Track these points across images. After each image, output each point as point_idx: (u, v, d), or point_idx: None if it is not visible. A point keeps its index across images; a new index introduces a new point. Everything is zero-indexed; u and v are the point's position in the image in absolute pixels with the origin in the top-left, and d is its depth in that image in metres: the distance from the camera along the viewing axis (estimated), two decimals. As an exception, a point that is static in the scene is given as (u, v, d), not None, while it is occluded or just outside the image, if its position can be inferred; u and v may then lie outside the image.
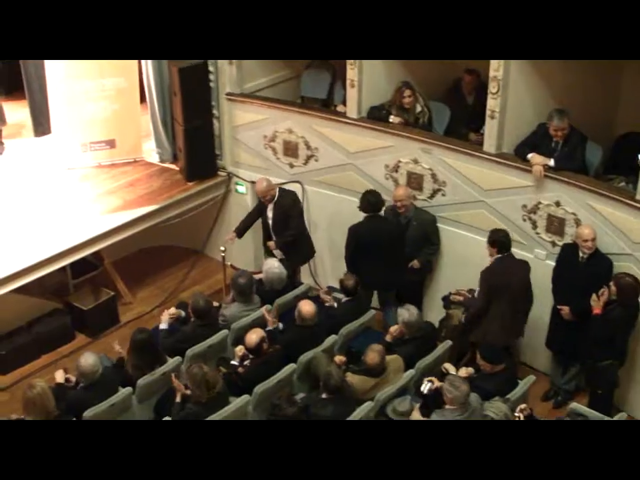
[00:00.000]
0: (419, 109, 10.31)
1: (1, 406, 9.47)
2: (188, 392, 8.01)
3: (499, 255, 9.13)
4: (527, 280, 9.17)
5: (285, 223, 10.42)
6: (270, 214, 10.45)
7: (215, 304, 9.75)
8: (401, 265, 10.08)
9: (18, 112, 13.14)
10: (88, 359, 8.09)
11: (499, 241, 9.13)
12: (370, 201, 9.89)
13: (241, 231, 10.78)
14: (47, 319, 10.76)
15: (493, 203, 9.66)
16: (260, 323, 9.07)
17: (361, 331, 9.28)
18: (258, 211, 10.75)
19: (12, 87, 13.20)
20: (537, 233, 9.50)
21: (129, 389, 8.24)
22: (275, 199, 10.37)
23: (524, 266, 9.24)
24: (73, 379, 8.36)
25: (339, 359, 8.60)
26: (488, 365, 8.19)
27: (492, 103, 9.29)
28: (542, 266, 9.40)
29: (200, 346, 8.77)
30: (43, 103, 12.07)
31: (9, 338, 10.38)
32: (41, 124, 12.50)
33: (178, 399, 8.05)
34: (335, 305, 9.55)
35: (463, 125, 10.45)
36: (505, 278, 9.06)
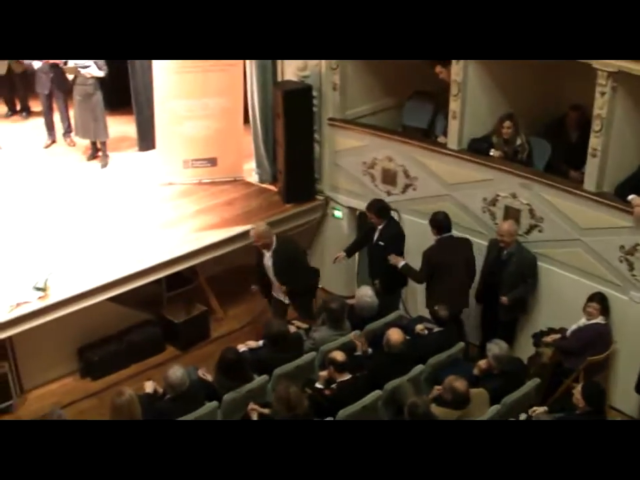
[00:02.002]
0: (519, 142, 10.24)
1: (89, 411, 9.66)
2: (266, 411, 8.07)
3: (440, 236, 10.05)
4: (469, 256, 10.14)
5: (289, 270, 10.14)
6: (269, 263, 10.15)
7: (305, 326, 9.80)
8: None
9: (123, 126, 13.51)
10: (176, 372, 8.18)
11: (439, 222, 10.05)
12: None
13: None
14: (139, 329, 10.94)
15: (589, 242, 9.52)
16: (348, 347, 9.07)
17: (449, 363, 9.21)
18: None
19: (118, 102, 13.52)
20: (633, 275, 9.31)
21: (214, 404, 8.30)
22: (274, 247, 10.07)
23: (465, 244, 10.22)
24: (161, 390, 8.46)
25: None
26: (583, 402, 8.01)
27: (594, 142, 9.18)
28: (638, 308, 9.24)
29: (287, 366, 8.82)
30: (149, 119, 12.36)
31: (102, 345, 10.57)
32: (146, 139, 12.81)
33: (254, 418, 8.10)
34: (426, 332, 9.50)
35: (564, 161, 10.35)
36: (447, 257, 9.98)
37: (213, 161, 12.12)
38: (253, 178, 12.26)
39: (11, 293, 9.49)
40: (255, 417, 8.11)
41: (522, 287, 9.98)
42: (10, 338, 9.68)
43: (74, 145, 13.32)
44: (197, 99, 11.80)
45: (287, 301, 10.36)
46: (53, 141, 13.48)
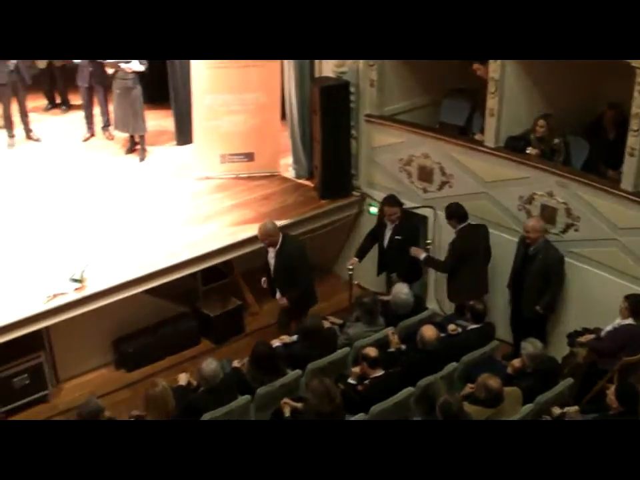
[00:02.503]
0: (555, 141, 10.19)
1: (123, 402, 9.71)
2: (299, 405, 8.09)
3: (461, 225, 10.20)
4: (487, 243, 10.38)
5: (288, 274, 10.01)
6: (272, 261, 10.06)
7: (339, 322, 9.82)
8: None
9: (162, 120, 13.63)
10: (210, 364, 8.22)
11: (456, 212, 10.26)
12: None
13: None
14: (174, 322, 11.04)
15: (626, 242, 9.45)
16: (382, 343, 9.08)
17: (483, 360, 9.19)
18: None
19: (157, 96, 13.61)
20: (670, 276, 9.28)
21: (247, 397, 8.33)
22: (278, 246, 9.94)
23: (484, 230, 10.39)
24: (195, 382, 8.52)
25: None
26: (617, 403, 7.97)
27: (632, 141, 9.10)
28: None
29: (320, 361, 8.84)
30: (187, 113, 12.41)
31: (137, 337, 10.67)
32: (184, 133, 12.88)
33: (287, 413, 8.12)
34: (460, 330, 9.49)
35: (602, 161, 10.29)
36: (471, 245, 10.25)
37: (249, 156, 12.17)
38: (290, 173, 12.31)
39: (48, 284, 9.59)
40: (287, 411, 8.13)
41: (550, 290, 9.95)
42: (46, 328, 9.81)
43: (112, 139, 13.44)
44: (235, 94, 11.85)
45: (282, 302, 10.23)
46: (92, 135, 13.60)
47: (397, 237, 10.48)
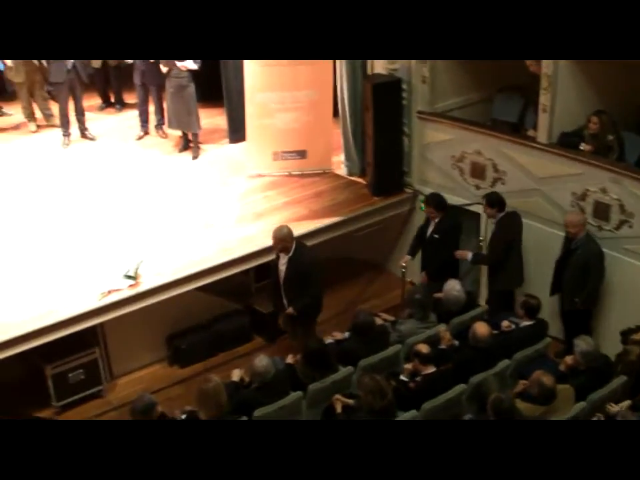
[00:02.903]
0: (609, 137, 10.09)
1: (176, 398, 9.77)
2: (350, 402, 8.11)
3: (502, 213, 10.24)
4: (522, 230, 10.43)
5: (299, 283, 9.72)
6: (283, 268, 9.77)
7: (391, 318, 9.83)
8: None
9: (215, 118, 13.77)
10: (262, 361, 8.27)
11: (497, 199, 10.26)
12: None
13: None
14: (227, 319, 11.11)
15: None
16: (434, 340, 9.07)
17: (535, 358, 9.14)
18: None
19: (210, 95, 13.69)
20: None
21: (299, 393, 8.37)
22: (291, 253, 9.66)
23: (518, 217, 10.41)
24: (247, 378, 8.57)
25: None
26: None
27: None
28: None
29: (372, 358, 8.85)
30: (239, 111, 12.48)
31: (190, 333, 10.76)
32: (237, 131, 12.96)
33: (338, 409, 8.15)
34: (513, 327, 9.44)
35: (656, 157, 10.19)
36: (513, 232, 10.33)
37: (302, 153, 12.21)
38: (342, 170, 12.32)
39: (103, 281, 9.71)
40: (339, 407, 8.17)
41: (589, 284, 9.87)
42: (101, 325, 9.94)
43: (166, 137, 13.55)
44: (287, 92, 11.90)
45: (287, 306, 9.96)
46: (146, 133, 13.73)
47: (434, 235, 10.47)
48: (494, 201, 10.28)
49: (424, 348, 8.52)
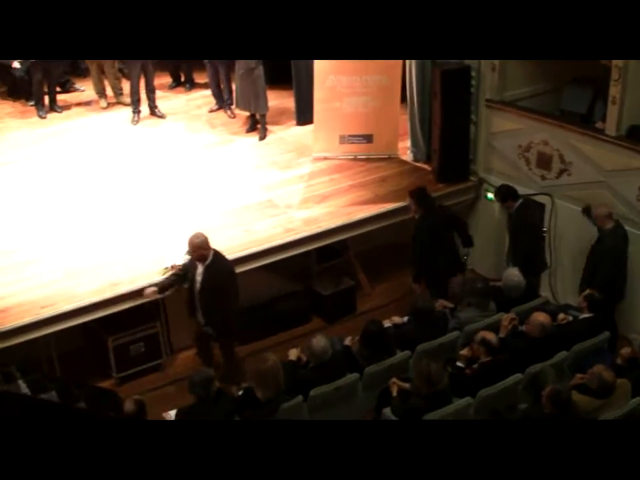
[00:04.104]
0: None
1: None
2: (406, 386, 8.13)
3: (518, 203, 10.42)
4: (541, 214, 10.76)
5: (216, 294, 9.21)
6: (199, 278, 9.21)
7: (450, 305, 9.82)
8: None
9: (283, 100, 13.84)
10: (320, 341, 8.33)
11: (511, 192, 10.48)
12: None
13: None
14: (287, 299, 11.19)
15: None
16: (493, 329, 9.05)
17: (593, 351, 9.08)
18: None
19: (279, 76, 13.77)
20: None
21: (355, 375, 8.42)
22: (208, 261, 9.17)
23: (535, 203, 10.81)
24: (304, 358, 8.64)
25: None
26: None
27: None
28: None
29: (430, 343, 8.86)
30: (307, 93, 12.53)
31: (250, 312, 10.81)
32: (304, 113, 13.00)
33: (394, 393, 8.18)
34: (570, 319, 9.39)
35: None
36: (534, 216, 10.71)
37: (368, 138, 12.23)
38: (408, 156, 12.33)
39: (166, 256, 9.84)
40: (394, 391, 8.19)
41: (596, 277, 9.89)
42: (163, 299, 10.06)
43: (234, 117, 13.66)
44: (356, 76, 11.91)
45: (203, 322, 9.48)
46: (220, 108, 13.91)
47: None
48: (505, 195, 10.50)
49: (494, 338, 8.48)
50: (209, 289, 9.20)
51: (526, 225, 10.55)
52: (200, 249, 9.13)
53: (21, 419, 6.89)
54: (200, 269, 9.20)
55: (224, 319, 9.36)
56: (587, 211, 10.01)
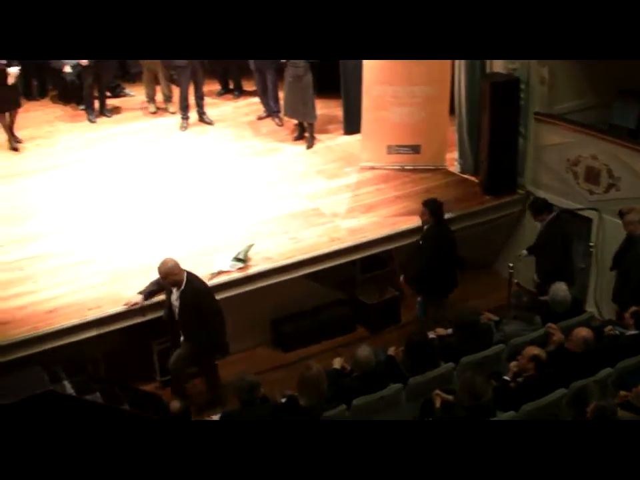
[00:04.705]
0: None
1: (277, 382, 9.86)
2: (450, 398, 8.10)
3: (551, 216, 10.35)
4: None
5: (195, 315, 9.06)
6: (176, 303, 9.09)
7: (495, 318, 9.79)
8: None
9: (331, 109, 13.96)
10: (364, 351, 8.30)
11: (546, 205, 10.40)
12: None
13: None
14: (331, 308, 11.19)
15: None
16: (538, 343, 8.99)
17: (638, 368, 8.99)
18: None
19: (327, 85, 13.83)
20: None
21: (399, 385, 8.40)
22: (183, 286, 8.98)
23: (564, 217, 10.68)
24: (348, 367, 8.64)
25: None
26: None
27: None
28: None
29: (474, 356, 8.83)
30: (356, 103, 12.54)
31: (295, 319, 10.89)
32: (352, 123, 13.04)
33: (437, 405, 8.16)
34: (617, 333, 9.31)
35: None
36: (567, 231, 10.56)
37: (416, 149, 12.24)
38: (455, 168, 12.33)
39: (213, 262, 9.91)
40: (437, 403, 8.17)
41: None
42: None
43: (281, 125, 13.74)
44: (405, 86, 11.92)
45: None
46: (268, 115, 13.96)
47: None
48: (539, 208, 10.43)
49: (543, 354, 8.43)
50: (187, 312, 9.07)
51: (556, 238, 10.47)
52: (170, 275, 8.94)
53: (66, 419, 7.06)
54: (175, 294, 9.08)
55: (209, 338, 9.20)
56: (622, 215, 10.00)
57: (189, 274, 9.06)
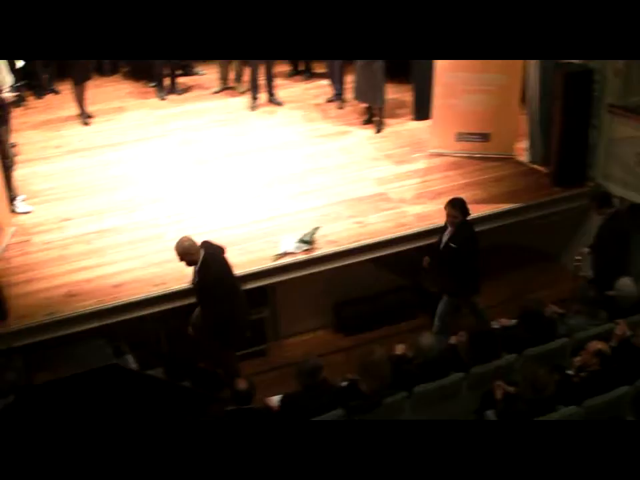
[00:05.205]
0: None
1: (337, 366, 9.84)
2: (511, 389, 8.04)
3: (612, 210, 10.14)
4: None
5: (209, 298, 8.98)
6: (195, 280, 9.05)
7: (560, 311, 9.69)
8: None
9: (401, 94, 13.91)
10: (428, 338, 8.30)
11: (604, 197, 10.16)
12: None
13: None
14: (394, 294, 11.19)
15: None
16: (603, 338, 8.89)
17: None
18: None
19: (397, 70, 13.75)
20: None
21: (460, 374, 8.36)
22: (198, 265, 8.86)
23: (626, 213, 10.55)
24: (410, 354, 8.61)
25: None
26: None
27: None
28: None
29: (538, 348, 8.75)
30: (426, 89, 12.47)
31: (357, 304, 10.90)
32: (422, 108, 12.97)
33: (498, 396, 8.10)
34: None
35: None
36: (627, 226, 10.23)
37: (485, 136, 12.14)
38: (524, 157, 12.19)
39: (279, 243, 9.96)
40: (499, 394, 8.12)
41: None
42: (272, 285, 10.17)
43: (342, 108, 13.74)
44: (477, 73, 11.81)
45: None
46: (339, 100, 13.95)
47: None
48: (600, 201, 10.21)
49: (607, 349, 8.33)
50: (203, 291, 8.98)
51: (612, 235, 10.30)
52: (186, 254, 8.85)
53: (128, 393, 7.14)
54: (193, 272, 9.00)
55: (221, 321, 9.02)
56: None
57: (208, 254, 8.87)
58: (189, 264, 8.93)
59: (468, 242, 9.77)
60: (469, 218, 9.76)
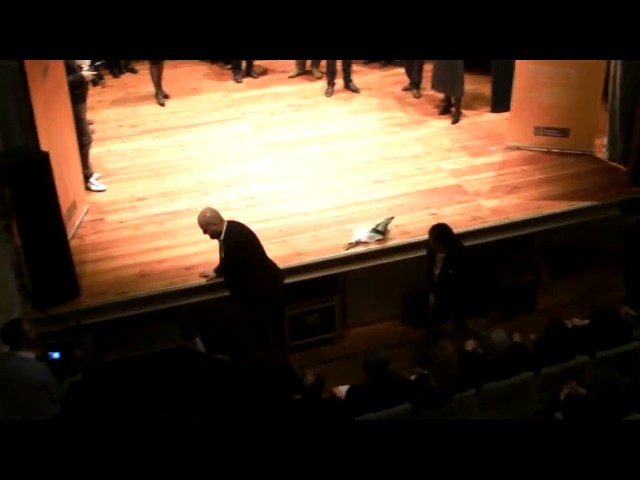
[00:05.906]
0: None
1: (404, 358, 9.55)
2: (582, 391, 7.92)
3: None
4: None
5: (241, 267, 8.81)
6: (223, 254, 8.97)
7: (635, 313, 9.48)
8: None
9: (479, 85, 13.76)
10: (499, 334, 8.19)
11: (633, 204, 9.66)
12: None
13: None
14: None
15: None
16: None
17: None
18: None
19: (477, 61, 13.52)
20: None
21: (530, 374, 8.26)
22: (223, 235, 8.78)
23: None
24: (480, 350, 8.51)
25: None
26: None
27: None
28: None
29: (611, 350, 8.60)
30: (506, 81, 12.32)
31: (427, 296, 10.75)
32: (500, 101, 12.82)
33: (561, 397, 7.97)
34: None
35: None
36: None
37: (564, 132, 11.94)
38: (603, 154, 11.98)
39: (352, 232, 9.91)
40: (562, 395, 7.98)
41: None
42: (343, 274, 10.13)
43: (418, 97, 13.65)
44: (559, 67, 11.61)
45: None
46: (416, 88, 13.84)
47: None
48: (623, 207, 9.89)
49: None
50: (233, 263, 8.86)
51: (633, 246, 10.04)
52: (209, 225, 8.78)
53: (196, 375, 7.15)
54: (219, 244, 8.95)
55: (249, 292, 8.95)
56: None
57: (231, 224, 8.86)
58: (213, 236, 8.87)
59: (465, 264, 9.40)
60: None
